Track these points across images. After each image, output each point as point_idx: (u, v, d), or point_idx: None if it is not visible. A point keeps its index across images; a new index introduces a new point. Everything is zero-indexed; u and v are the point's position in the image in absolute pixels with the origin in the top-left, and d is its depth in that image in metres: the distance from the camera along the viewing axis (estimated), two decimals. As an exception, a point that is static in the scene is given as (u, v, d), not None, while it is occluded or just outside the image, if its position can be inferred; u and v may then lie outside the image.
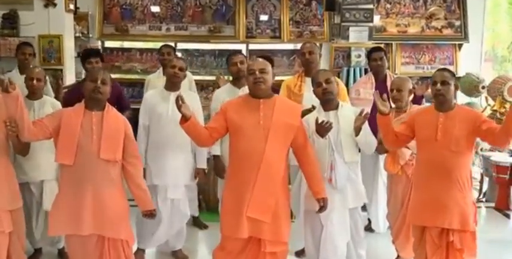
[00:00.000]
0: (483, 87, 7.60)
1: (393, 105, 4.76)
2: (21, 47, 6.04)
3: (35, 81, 4.72)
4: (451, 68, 8.35)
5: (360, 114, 4.10)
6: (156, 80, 6.16)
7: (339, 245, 4.21)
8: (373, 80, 5.86)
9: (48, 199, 4.73)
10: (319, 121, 3.98)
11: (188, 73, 6.61)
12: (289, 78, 5.74)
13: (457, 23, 8.35)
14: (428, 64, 8.37)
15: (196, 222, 6.11)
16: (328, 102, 4.24)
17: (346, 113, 4.23)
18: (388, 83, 5.68)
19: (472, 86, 7.70)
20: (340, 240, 4.21)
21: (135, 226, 4.96)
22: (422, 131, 4.02)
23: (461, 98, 8.26)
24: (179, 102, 3.73)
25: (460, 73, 8.25)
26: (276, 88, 5.77)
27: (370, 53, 6.02)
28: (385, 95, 4.05)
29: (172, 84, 4.88)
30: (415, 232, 4.15)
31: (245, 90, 5.15)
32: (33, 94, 4.76)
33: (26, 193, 4.64)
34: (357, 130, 4.10)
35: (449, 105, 3.97)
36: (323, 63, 7.81)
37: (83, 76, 6.16)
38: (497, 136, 3.77)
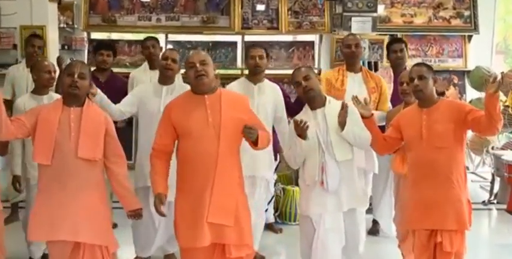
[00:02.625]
0: (494, 82, 7.60)
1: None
2: (30, 39, 6.10)
3: (53, 74, 4.74)
4: (460, 61, 8.37)
5: (342, 107, 4.08)
6: (143, 75, 6.13)
7: (332, 251, 4.16)
8: (392, 74, 5.85)
9: None
10: (298, 121, 3.93)
11: None
12: (328, 71, 5.78)
13: (467, 13, 8.35)
14: (436, 57, 8.37)
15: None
16: (313, 99, 4.20)
17: (334, 109, 4.18)
18: None
19: (482, 80, 7.71)
20: (334, 245, 4.17)
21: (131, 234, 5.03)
22: (407, 131, 4.05)
23: (471, 93, 8.28)
24: None
25: (470, 66, 8.26)
26: (276, 83, 5.84)
27: (390, 44, 6.03)
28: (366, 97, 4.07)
29: (164, 77, 4.87)
30: (411, 235, 4.14)
31: (261, 86, 5.18)
32: (45, 88, 4.76)
33: (31, 193, 4.65)
34: (341, 125, 4.06)
35: (430, 100, 3.99)
36: (323, 56, 7.84)
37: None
38: (482, 125, 3.79)
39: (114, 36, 8.67)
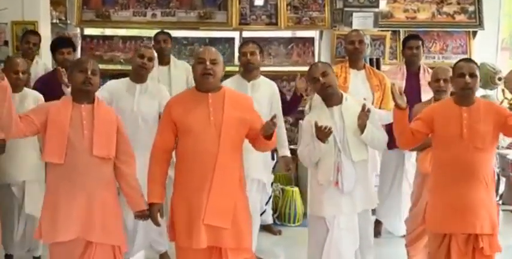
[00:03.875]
0: (499, 79, 7.61)
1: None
2: (26, 35, 6.16)
3: (20, 75, 4.74)
4: (465, 57, 8.36)
5: (363, 109, 4.08)
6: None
7: (346, 252, 4.18)
8: (405, 71, 5.86)
9: (30, 202, 4.76)
10: (319, 124, 3.94)
11: (184, 62, 6.64)
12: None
13: (471, 8, 8.34)
14: (440, 53, 8.36)
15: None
16: (330, 96, 4.21)
17: (352, 107, 4.20)
18: (421, 76, 5.73)
19: (487, 77, 7.71)
20: (348, 247, 4.18)
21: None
22: (444, 128, 4.00)
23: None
24: None
25: (474, 63, 8.25)
26: (275, 79, 5.85)
27: (406, 40, 6.05)
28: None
29: (138, 75, 4.91)
30: (434, 239, 4.12)
31: (255, 84, 5.19)
32: (16, 87, 4.74)
33: (6, 195, 4.65)
34: (361, 128, 4.07)
35: (472, 99, 3.98)
36: (323, 53, 7.83)
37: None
38: None
39: (108, 32, 8.66)
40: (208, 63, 3.76)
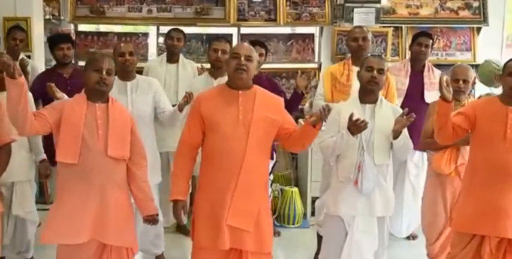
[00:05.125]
0: (504, 76, 7.61)
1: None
2: (12, 31, 6.12)
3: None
4: (469, 54, 8.36)
5: (402, 115, 4.05)
6: (158, 66, 6.17)
7: (366, 255, 4.19)
8: (409, 68, 5.84)
9: (18, 203, 4.76)
10: (354, 118, 3.92)
11: (192, 62, 6.64)
12: (333, 65, 5.86)
13: (475, 4, 8.34)
14: (443, 50, 8.36)
15: (180, 229, 6.10)
16: (369, 93, 4.20)
17: (385, 110, 4.20)
18: (425, 74, 5.71)
19: (492, 75, 7.68)
20: (367, 249, 4.19)
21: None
22: (486, 126, 3.95)
23: (479, 88, 8.29)
24: None
25: (479, 60, 8.25)
26: (269, 78, 5.83)
27: (417, 36, 6.01)
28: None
29: (126, 72, 4.85)
30: (460, 240, 4.10)
31: (222, 80, 5.20)
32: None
33: None
34: (396, 133, 4.05)
35: None
36: (324, 49, 7.84)
37: (53, 63, 6.18)
38: None
39: (103, 28, 8.65)
40: (243, 58, 3.75)
